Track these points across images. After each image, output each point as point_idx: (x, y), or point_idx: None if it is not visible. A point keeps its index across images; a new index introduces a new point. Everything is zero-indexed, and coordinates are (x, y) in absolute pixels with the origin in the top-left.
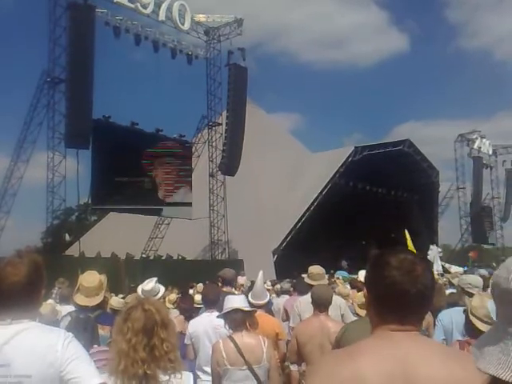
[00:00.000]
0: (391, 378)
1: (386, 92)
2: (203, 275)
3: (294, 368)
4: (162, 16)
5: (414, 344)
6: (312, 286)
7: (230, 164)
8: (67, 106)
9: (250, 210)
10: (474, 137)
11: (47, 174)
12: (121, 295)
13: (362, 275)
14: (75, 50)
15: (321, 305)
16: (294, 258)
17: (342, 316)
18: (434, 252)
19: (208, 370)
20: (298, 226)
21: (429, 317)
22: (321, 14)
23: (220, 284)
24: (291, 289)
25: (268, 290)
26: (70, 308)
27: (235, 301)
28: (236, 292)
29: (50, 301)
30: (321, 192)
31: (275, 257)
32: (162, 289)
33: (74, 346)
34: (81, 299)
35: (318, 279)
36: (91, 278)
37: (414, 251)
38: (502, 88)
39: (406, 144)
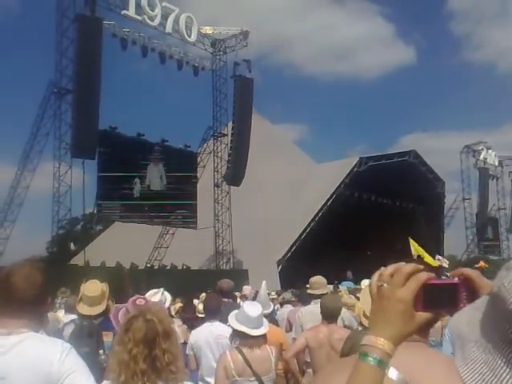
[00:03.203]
0: None
1: (391, 103)
2: (208, 285)
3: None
4: (168, 28)
5: (417, 354)
6: (313, 295)
7: (235, 174)
8: (74, 116)
9: (254, 220)
10: (480, 148)
11: (53, 184)
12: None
13: (364, 285)
14: (82, 61)
15: (329, 316)
16: (299, 268)
17: (346, 328)
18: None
19: (209, 380)
20: (302, 237)
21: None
22: (326, 26)
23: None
24: (292, 299)
25: (273, 299)
26: (73, 317)
27: (247, 320)
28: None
29: (60, 312)
30: (326, 203)
31: (280, 267)
32: (169, 298)
33: (72, 358)
34: (84, 309)
35: (318, 288)
36: (93, 288)
37: (425, 256)
38: (508, 100)
39: (411, 155)
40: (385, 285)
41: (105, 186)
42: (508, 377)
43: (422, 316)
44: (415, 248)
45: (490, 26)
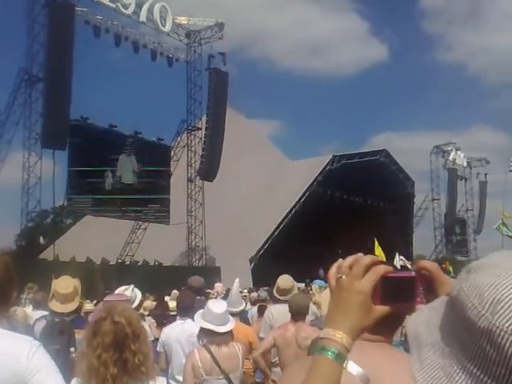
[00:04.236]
0: None
1: (364, 101)
2: (180, 282)
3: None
4: (142, 17)
5: (382, 354)
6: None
7: (208, 169)
8: (44, 105)
9: (228, 216)
10: (449, 149)
11: (22, 175)
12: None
13: None
14: (53, 49)
15: (297, 314)
16: (271, 265)
17: (315, 320)
18: (397, 261)
19: (180, 378)
20: (275, 234)
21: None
22: (302, 22)
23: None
24: (268, 297)
25: (244, 297)
26: (44, 313)
27: (213, 317)
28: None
29: (28, 308)
30: (299, 200)
31: (252, 264)
32: (139, 295)
33: (40, 355)
34: (56, 306)
35: (285, 294)
36: (65, 284)
37: (383, 258)
38: (478, 101)
39: (382, 154)
40: (343, 277)
41: (75, 178)
42: (463, 383)
43: (380, 309)
44: (377, 249)
45: (462, 27)
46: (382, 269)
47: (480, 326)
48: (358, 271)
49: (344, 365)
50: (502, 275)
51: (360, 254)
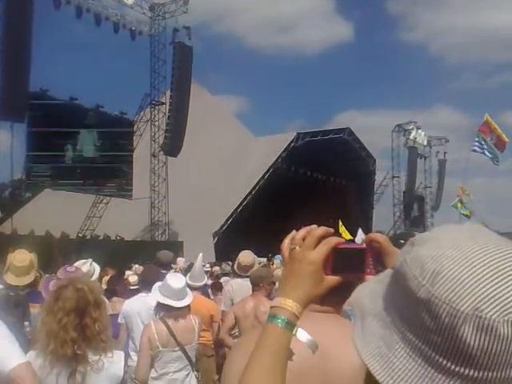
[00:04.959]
0: (306, 355)
1: (329, 79)
2: (142, 256)
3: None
4: None
5: (330, 324)
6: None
7: (172, 144)
8: (2, 77)
9: (191, 191)
10: (411, 127)
11: None
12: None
13: None
14: (11, 20)
15: (256, 284)
16: (235, 240)
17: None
18: (359, 236)
19: None
20: (239, 209)
21: None
22: None
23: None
24: (230, 271)
25: (206, 272)
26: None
27: (171, 292)
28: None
29: None
30: (263, 176)
31: (215, 239)
32: (98, 269)
33: None
34: (11, 279)
35: (246, 271)
36: (22, 257)
37: (347, 237)
38: (439, 81)
39: (346, 132)
40: (297, 247)
41: (34, 151)
42: (402, 352)
43: (331, 279)
44: (341, 229)
45: (424, 8)
46: (333, 240)
47: (420, 297)
48: (310, 242)
49: (293, 332)
50: (444, 248)
51: (313, 226)
